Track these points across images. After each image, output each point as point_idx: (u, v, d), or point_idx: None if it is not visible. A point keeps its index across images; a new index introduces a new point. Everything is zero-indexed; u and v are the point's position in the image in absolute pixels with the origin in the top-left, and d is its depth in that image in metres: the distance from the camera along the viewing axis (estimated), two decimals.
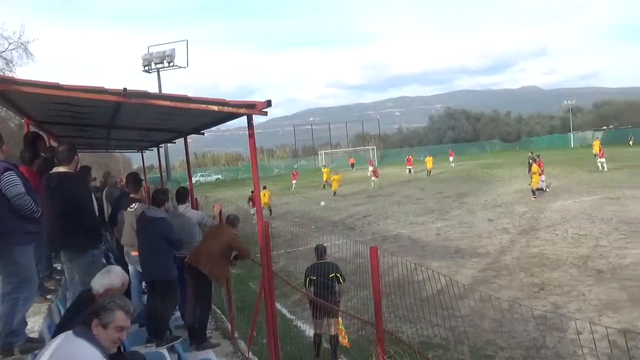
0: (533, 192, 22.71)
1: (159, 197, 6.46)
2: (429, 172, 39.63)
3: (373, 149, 75.16)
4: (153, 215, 6.30)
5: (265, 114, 5.16)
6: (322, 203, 26.88)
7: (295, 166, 57.66)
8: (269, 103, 4.98)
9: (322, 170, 38.67)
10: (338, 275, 7.26)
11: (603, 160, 32.10)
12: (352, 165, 52.85)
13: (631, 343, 6.98)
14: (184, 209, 7.46)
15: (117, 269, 4.16)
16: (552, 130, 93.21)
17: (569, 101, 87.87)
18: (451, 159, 51.38)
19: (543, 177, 24.08)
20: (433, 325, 8.00)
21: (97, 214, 5.99)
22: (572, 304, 9.17)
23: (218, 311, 8.80)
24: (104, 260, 10.07)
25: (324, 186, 35.09)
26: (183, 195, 7.55)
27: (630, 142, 62.87)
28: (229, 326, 7.94)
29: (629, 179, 26.90)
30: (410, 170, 45.63)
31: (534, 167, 23.59)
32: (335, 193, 31.16)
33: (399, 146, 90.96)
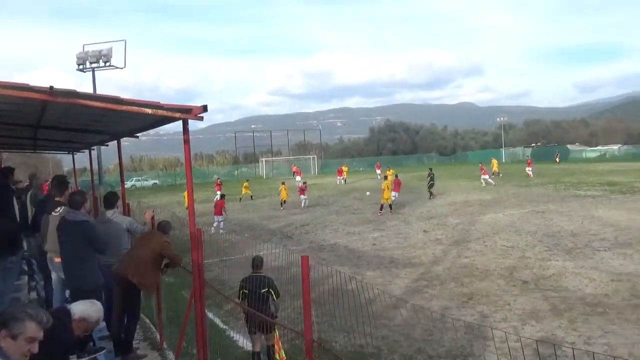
0: (389, 207, 23.63)
1: (75, 199, 6.16)
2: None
3: (314, 158, 75.70)
4: (74, 218, 6.01)
5: (201, 119, 5.06)
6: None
7: (216, 176, 56.14)
8: (204, 108, 4.88)
9: (244, 184, 36.83)
10: (271, 290, 6.88)
11: (486, 177, 35.96)
12: (294, 173, 52.96)
13: (550, 351, 7.29)
14: (112, 214, 7.16)
15: (99, 305, 4.08)
16: (485, 145, 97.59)
17: (502, 118, 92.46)
18: (378, 171, 52.63)
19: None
20: (366, 335, 8.05)
21: (17, 218, 5.66)
22: (499, 313, 9.47)
23: (147, 321, 8.48)
24: (25, 267, 9.55)
25: (240, 199, 33.72)
26: (111, 200, 7.25)
27: (557, 159, 66.42)
28: (158, 336, 7.66)
29: (554, 194, 28.34)
30: (344, 181, 46.58)
31: (384, 183, 24.79)
32: (283, 203, 30.92)
33: (340, 156, 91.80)
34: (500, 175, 42.95)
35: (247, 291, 6.94)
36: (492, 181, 36.08)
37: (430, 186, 29.73)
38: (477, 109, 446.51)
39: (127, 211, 9.30)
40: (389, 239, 17.47)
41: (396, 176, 30.27)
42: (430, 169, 31.95)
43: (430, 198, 28.84)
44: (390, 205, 24.07)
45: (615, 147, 74.99)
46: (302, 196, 29.19)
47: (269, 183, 49.31)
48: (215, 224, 20.85)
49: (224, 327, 9.36)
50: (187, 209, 26.93)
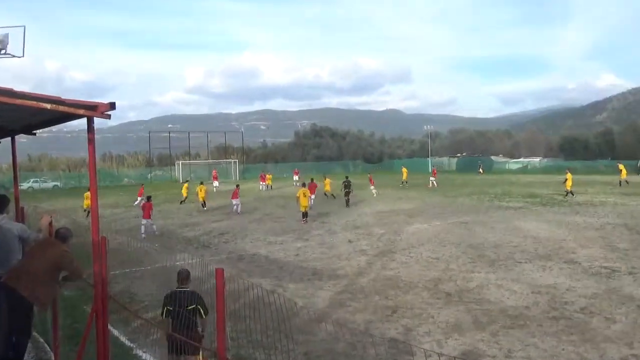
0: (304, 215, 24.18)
1: None
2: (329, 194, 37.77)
3: (235, 162, 74.85)
4: None
5: (108, 117, 4.81)
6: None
7: (131, 185, 54.98)
8: (112, 106, 4.65)
9: (184, 185, 36.98)
10: (200, 307, 6.59)
11: (372, 187, 38.16)
12: (214, 178, 52.51)
13: None
14: (1, 219, 6.66)
15: None
16: (412, 153, 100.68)
17: (428, 127, 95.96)
18: (296, 177, 53.29)
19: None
20: (287, 351, 8.00)
21: None
22: (423, 326, 9.67)
23: (41, 340, 7.97)
24: None
25: (182, 202, 34.03)
26: (0, 203, 6.76)
27: (481, 170, 69.75)
28: (53, 357, 7.23)
29: (478, 205, 29.54)
30: (268, 187, 46.78)
31: (300, 190, 25.11)
32: (204, 205, 30.92)
33: (263, 161, 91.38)
34: (407, 184, 45.96)
35: (171, 308, 6.59)
36: (435, 183, 42.32)
37: (347, 194, 30.90)
38: (404, 117, 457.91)
39: (20, 216, 8.71)
40: (313, 249, 17.57)
41: (312, 180, 31.29)
42: (347, 177, 33.06)
43: (347, 206, 30.03)
44: (305, 214, 24.33)
45: (537, 159, 79.89)
46: (234, 200, 28.96)
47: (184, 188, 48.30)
48: (142, 229, 21.38)
49: (131, 345, 8.97)
50: (85, 211, 25.63)
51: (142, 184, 40.10)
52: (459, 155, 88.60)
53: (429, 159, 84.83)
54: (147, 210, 21.87)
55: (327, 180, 37.04)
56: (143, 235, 20.91)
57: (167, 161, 79.13)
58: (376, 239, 19.14)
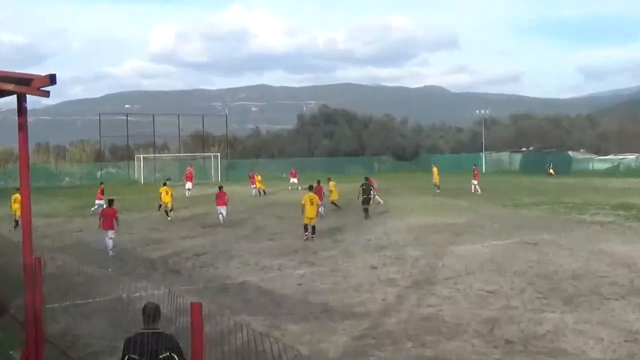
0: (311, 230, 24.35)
1: None
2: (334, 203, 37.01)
3: (216, 157, 74.66)
4: None
5: (47, 94, 4.82)
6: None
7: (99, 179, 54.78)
8: (52, 79, 4.65)
9: (161, 189, 36.83)
10: (175, 356, 6.37)
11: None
12: (186, 179, 52.29)
13: None
14: None
15: None
16: (459, 146, 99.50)
17: (482, 111, 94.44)
18: (293, 180, 53.30)
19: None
20: None
21: None
22: None
23: None
24: None
25: (167, 210, 33.65)
26: None
27: (551, 171, 68.94)
28: None
29: (550, 218, 29.41)
30: (261, 192, 46.83)
31: (305, 196, 25.16)
32: (170, 211, 31.53)
33: (254, 155, 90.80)
34: (439, 189, 46.07)
35: (136, 357, 6.40)
36: (478, 188, 43.09)
37: (365, 201, 30.92)
38: (448, 97, 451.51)
39: None
40: (322, 277, 17.50)
41: (318, 182, 31.54)
42: (366, 179, 33.15)
43: (366, 218, 30.20)
44: (309, 227, 24.47)
45: (632, 156, 78.75)
46: (219, 207, 29.36)
47: (148, 191, 48.29)
48: (110, 244, 21.83)
49: None
50: (15, 220, 26.05)
51: (102, 183, 40.46)
52: (523, 149, 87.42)
53: (482, 155, 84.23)
54: (109, 218, 22.16)
55: (332, 184, 36.67)
56: (111, 253, 21.47)
57: (123, 154, 78.82)
58: (409, 264, 19.07)
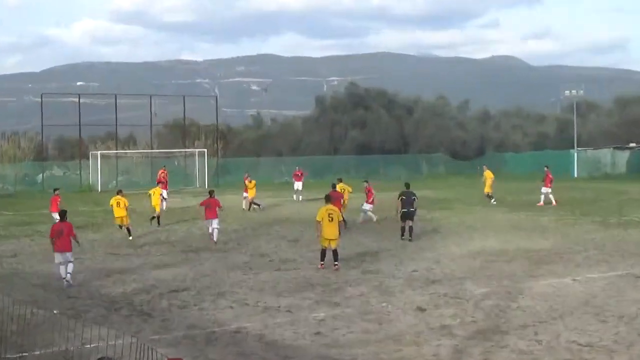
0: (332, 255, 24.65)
1: None
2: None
3: (203, 154, 74.07)
4: None
5: None
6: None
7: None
8: None
9: (151, 192, 37.26)
10: None
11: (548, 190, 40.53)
12: (162, 182, 51.83)
13: None
14: None
15: None
16: (541, 141, 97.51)
17: (574, 91, 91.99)
18: (297, 186, 53.67)
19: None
20: None
21: None
22: None
23: None
24: None
25: (158, 220, 36.22)
26: None
27: None
28: None
29: None
30: (251, 204, 45.90)
31: (321, 210, 25.36)
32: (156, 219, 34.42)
33: (255, 153, 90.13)
34: (494, 201, 46.39)
35: None
36: (551, 197, 44.41)
37: (405, 216, 30.96)
38: (526, 72, 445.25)
39: None
40: (349, 323, 17.31)
41: (333, 186, 34.44)
42: (407, 185, 33.43)
43: (406, 238, 30.59)
44: (329, 253, 24.55)
45: None
46: (210, 220, 30.48)
47: (107, 202, 48.48)
48: (68, 268, 22.44)
49: None
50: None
51: (56, 190, 40.47)
52: (632, 145, 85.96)
53: (573, 152, 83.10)
54: (65, 236, 22.48)
55: (344, 189, 37.29)
56: (67, 283, 22.09)
57: (73, 151, 78.78)
58: (470, 305, 18.83)
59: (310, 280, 22.50)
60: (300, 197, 51.18)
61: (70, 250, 22.21)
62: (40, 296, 20.56)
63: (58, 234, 22.35)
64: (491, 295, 19.82)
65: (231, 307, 19.16)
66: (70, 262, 22.19)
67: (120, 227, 33.56)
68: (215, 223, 29.83)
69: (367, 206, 37.06)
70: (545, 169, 47.87)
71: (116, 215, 32.99)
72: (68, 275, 22.02)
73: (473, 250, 27.53)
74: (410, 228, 30.75)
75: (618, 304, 18.39)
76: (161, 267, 25.25)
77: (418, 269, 23.89)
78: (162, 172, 54.34)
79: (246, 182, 48.16)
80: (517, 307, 18.40)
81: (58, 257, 22.18)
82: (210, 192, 31.91)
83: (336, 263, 24.13)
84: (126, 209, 32.66)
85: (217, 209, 30.32)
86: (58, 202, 35.63)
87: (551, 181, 46.60)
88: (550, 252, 26.76)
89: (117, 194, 34.33)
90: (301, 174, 55.32)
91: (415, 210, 31.66)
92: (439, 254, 26.59)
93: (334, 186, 33.12)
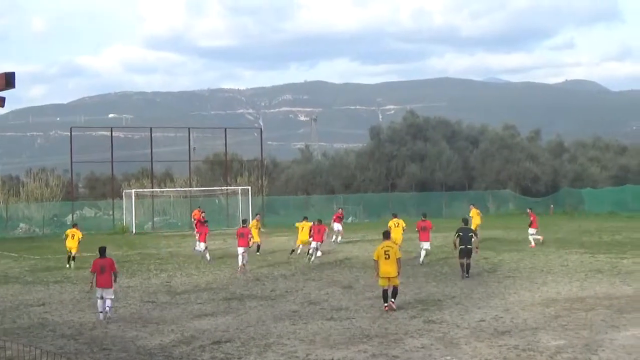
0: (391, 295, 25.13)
1: None
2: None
3: (247, 192, 74.64)
4: None
5: (0, 103, 4.83)
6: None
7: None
8: (9, 79, 4.63)
9: (253, 222, 38.10)
10: None
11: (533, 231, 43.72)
12: (195, 225, 52.26)
13: None
14: None
15: None
16: (621, 175, 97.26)
17: None
18: (337, 226, 52.18)
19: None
20: None
21: None
22: None
23: None
24: None
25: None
26: None
27: None
28: None
29: None
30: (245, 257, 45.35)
31: (377, 249, 25.95)
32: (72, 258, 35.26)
33: (303, 190, 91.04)
34: (541, 241, 45.56)
35: None
36: (538, 237, 45.74)
37: (463, 253, 32.19)
38: (606, 98, 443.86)
39: None
40: None
41: (395, 216, 32.00)
42: (465, 221, 34.68)
43: (463, 277, 31.57)
44: (389, 293, 24.93)
45: None
46: (240, 249, 33.10)
47: (143, 245, 48.74)
48: (104, 305, 23.90)
49: None
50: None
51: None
52: None
53: None
54: (107, 273, 24.14)
55: (398, 223, 37.51)
56: (104, 315, 23.36)
57: (104, 190, 79.98)
58: (545, 358, 18.32)
59: (365, 330, 22.04)
60: (338, 239, 50.97)
61: (111, 286, 23.50)
62: (72, 348, 20.46)
63: (100, 269, 22.89)
64: (567, 348, 19.22)
65: (280, 358, 18.89)
66: (111, 298, 23.08)
67: (69, 257, 37.88)
68: (243, 251, 30.63)
69: (425, 244, 39.20)
70: (529, 210, 50.78)
71: (68, 246, 37.15)
72: (107, 308, 22.43)
73: (546, 297, 27.13)
74: (468, 265, 31.84)
75: None
76: (202, 316, 25.15)
77: (485, 318, 23.47)
78: (197, 213, 54.42)
79: (254, 222, 47.76)
80: None
81: (98, 292, 23.20)
82: (244, 221, 32.66)
83: (392, 300, 24.38)
84: (78, 242, 36.89)
85: (249, 237, 31.03)
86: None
87: (536, 222, 48.23)
88: (634, 298, 26.27)
89: (73, 227, 39.37)
90: (341, 215, 56.44)
91: (475, 246, 33.19)
92: (508, 302, 26.29)
93: (395, 216, 33.64)
